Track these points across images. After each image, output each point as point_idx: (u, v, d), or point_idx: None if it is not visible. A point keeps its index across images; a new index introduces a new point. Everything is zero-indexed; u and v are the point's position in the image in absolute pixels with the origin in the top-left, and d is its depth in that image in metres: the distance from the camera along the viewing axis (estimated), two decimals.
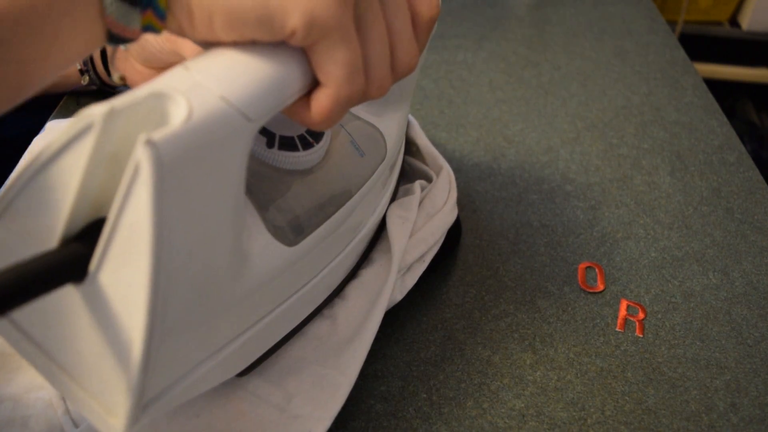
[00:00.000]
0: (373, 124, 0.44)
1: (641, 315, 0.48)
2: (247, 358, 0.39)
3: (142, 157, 0.23)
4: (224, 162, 0.26)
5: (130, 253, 0.24)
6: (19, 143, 0.55)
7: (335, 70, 0.27)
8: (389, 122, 0.45)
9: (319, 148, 0.39)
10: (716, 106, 0.69)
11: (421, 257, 0.47)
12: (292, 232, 0.36)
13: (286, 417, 0.38)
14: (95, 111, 0.24)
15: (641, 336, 0.47)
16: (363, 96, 0.30)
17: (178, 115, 0.24)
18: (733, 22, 1.52)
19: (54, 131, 0.58)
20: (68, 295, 0.26)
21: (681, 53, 0.78)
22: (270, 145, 0.37)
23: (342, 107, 0.29)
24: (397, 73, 0.31)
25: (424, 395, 0.42)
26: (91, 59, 0.59)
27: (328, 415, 0.38)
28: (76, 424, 0.38)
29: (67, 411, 0.38)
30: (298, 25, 0.26)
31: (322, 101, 0.28)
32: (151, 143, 0.23)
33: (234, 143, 0.26)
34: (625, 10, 0.87)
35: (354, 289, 0.45)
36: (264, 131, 0.38)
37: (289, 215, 0.36)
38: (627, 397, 0.43)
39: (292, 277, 0.37)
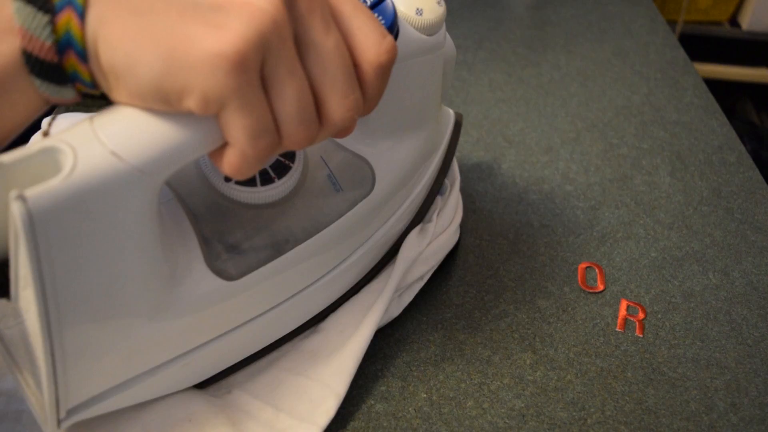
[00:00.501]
0: (362, 157, 0.42)
1: (641, 315, 0.48)
2: (199, 375, 0.40)
3: (14, 212, 0.25)
4: (120, 211, 0.28)
5: (27, 288, 0.28)
6: (16, 140, 0.55)
7: (237, 134, 0.27)
8: (385, 155, 0.42)
9: (281, 184, 0.38)
10: (716, 106, 0.69)
11: (421, 277, 0.47)
12: (234, 266, 0.36)
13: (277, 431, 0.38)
14: None
15: (641, 336, 0.47)
16: (278, 149, 0.29)
17: (64, 169, 0.26)
18: (733, 22, 1.52)
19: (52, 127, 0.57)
20: (9, 305, 0.31)
21: (681, 53, 0.78)
22: (228, 178, 0.37)
23: (252, 163, 0.29)
24: (329, 125, 0.30)
25: (424, 395, 0.42)
26: None
27: (315, 427, 0.38)
28: None
29: None
30: (192, 105, 0.27)
31: (230, 158, 0.29)
32: (21, 198, 0.25)
33: (129, 194, 0.28)
34: (625, 10, 0.87)
35: (348, 302, 0.45)
36: None
37: (233, 249, 0.36)
38: (627, 397, 0.43)
39: (238, 308, 0.37)
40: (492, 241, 0.53)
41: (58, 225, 0.26)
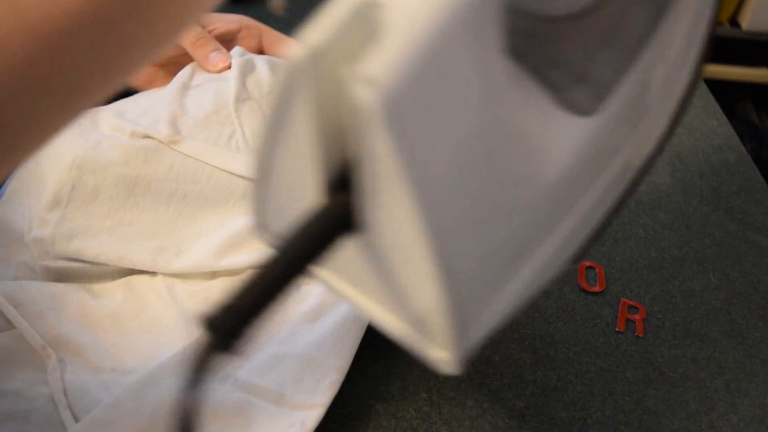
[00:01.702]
0: None
1: (641, 315, 0.48)
2: (572, 246, 0.30)
3: (364, 103, 0.18)
4: (473, 64, 0.21)
5: (393, 199, 0.21)
6: None
7: None
8: None
9: None
10: (716, 106, 0.69)
11: None
12: (587, 97, 0.28)
13: (281, 411, 0.38)
14: (297, 60, 0.19)
15: (641, 336, 0.47)
16: None
17: (394, 27, 0.19)
18: (733, 22, 1.52)
19: None
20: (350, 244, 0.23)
21: None
22: None
23: None
24: None
25: (424, 395, 0.42)
26: None
27: (320, 402, 0.38)
28: (76, 419, 0.38)
29: (68, 406, 0.38)
30: None
31: None
32: (371, 83, 0.18)
33: (477, 38, 0.21)
34: None
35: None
36: None
37: (577, 76, 0.28)
38: (627, 397, 0.43)
39: (601, 149, 0.29)
40: None
41: (417, 106, 0.19)
